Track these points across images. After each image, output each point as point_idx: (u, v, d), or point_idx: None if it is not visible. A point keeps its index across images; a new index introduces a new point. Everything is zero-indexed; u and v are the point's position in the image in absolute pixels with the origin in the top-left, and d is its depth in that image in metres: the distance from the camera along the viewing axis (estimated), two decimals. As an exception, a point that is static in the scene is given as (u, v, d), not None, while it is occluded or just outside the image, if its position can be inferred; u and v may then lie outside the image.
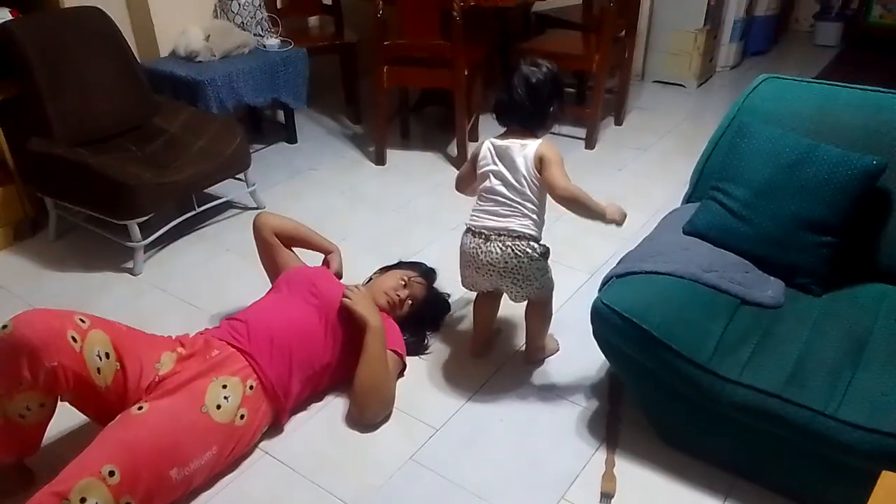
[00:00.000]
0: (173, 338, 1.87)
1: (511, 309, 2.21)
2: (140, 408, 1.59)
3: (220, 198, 3.00)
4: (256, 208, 3.09)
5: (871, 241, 1.86)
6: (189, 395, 1.66)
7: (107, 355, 1.63)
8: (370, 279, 2.26)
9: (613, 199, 3.07)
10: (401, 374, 2.08)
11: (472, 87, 3.49)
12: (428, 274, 2.29)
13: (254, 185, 3.06)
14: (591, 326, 1.77)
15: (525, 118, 1.89)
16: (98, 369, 1.60)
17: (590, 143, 3.68)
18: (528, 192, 1.86)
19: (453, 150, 3.56)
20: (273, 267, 2.21)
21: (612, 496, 1.71)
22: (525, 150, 1.85)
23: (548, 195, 1.88)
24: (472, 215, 1.94)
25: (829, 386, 1.53)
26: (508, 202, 1.87)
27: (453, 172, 3.41)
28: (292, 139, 3.79)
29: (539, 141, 1.87)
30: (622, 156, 3.60)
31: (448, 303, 2.35)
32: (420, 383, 2.08)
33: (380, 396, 1.91)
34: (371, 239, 2.84)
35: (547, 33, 4.10)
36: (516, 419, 1.95)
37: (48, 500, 1.39)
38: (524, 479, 1.77)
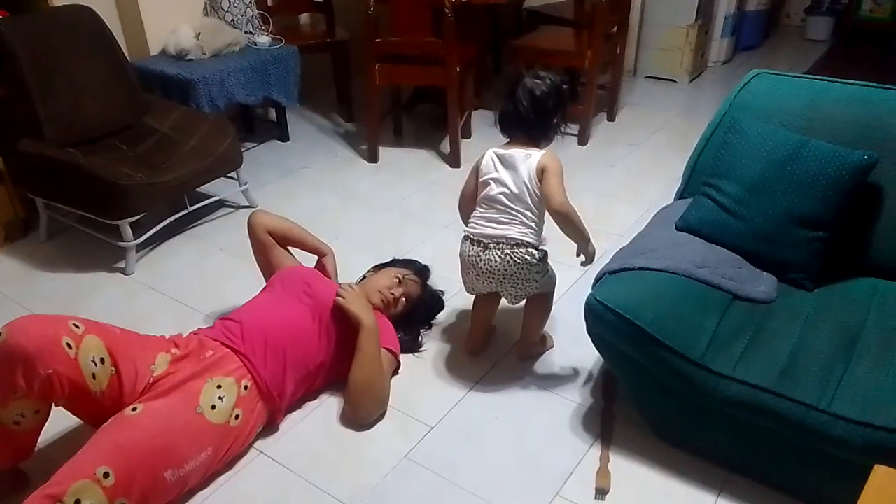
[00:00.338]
0: (167, 338, 1.86)
1: (505, 307, 2.21)
2: (134, 409, 1.58)
3: (212, 197, 2.99)
4: (249, 207, 3.08)
5: (863, 236, 1.87)
6: (183, 395, 1.66)
7: (101, 360, 1.62)
8: (364, 277, 2.25)
9: (607, 196, 3.10)
10: (395, 373, 2.08)
11: (465, 84, 3.49)
12: (422, 272, 2.29)
13: (246, 183, 3.05)
14: (584, 323, 1.78)
15: (529, 130, 1.91)
16: (93, 375, 1.60)
17: (582, 139, 3.69)
18: (528, 201, 1.86)
19: (446, 147, 3.55)
20: (267, 265, 2.20)
21: (607, 492, 1.72)
22: (529, 159, 1.86)
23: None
24: (471, 223, 1.94)
25: (822, 380, 1.53)
26: (508, 210, 1.87)
27: (446, 170, 3.43)
28: (284, 137, 3.78)
29: (543, 151, 1.89)
30: (615, 152, 3.61)
31: (442, 300, 2.35)
32: (415, 381, 2.08)
33: (374, 395, 1.91)
34: (364, 237, 2.83)
35: (539, 30, 4.09)
36: (511, 416, 1.96)
37: (43, 502, 1.38)
38: (519, 477, 1.77)
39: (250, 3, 3.63)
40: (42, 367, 1.51)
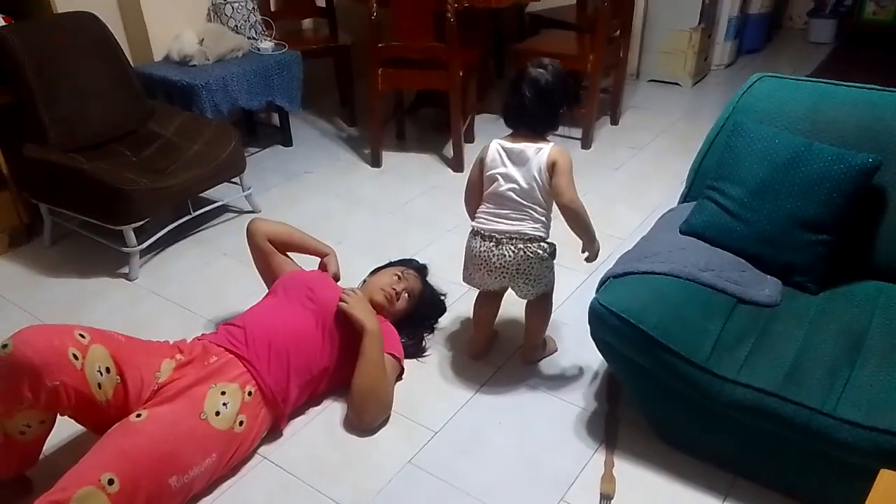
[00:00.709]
0: (171, 343, 1.86)
1: (508, 311, 2.21)
2: (139, 415, 1.58)
3: (215, 202, 2.99)
4: (252, 212, 3.08)
5: (867, 239, 1.86)
6: (188, 402, 1.66)
7: (107, 370, 1.62)
8: (364, 281, 2.26)
9: (610, 199, 3.10)
10: (399, 378, 2.07)
11: (467, 88, 3.49)
12: (420, 269, 2.30)
13: (249, 188, 3.05)
14: (588, 327, 1.77)
15: (535, 121, 1.88)
16: (99, 384, 1.60)
17: (586, 142, 3.69)
18: (539, 196, 1.85)
19: (449, 151, 3.56)
20: (269, 272, 2.20)
21: (612, 497, 1.71)
22: (539, 154, 1.84)
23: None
24: (480, 218, 1.92)
25: (827, 384, 1.53)
26: (519, 205, 1.86)
27: (449, 174, 3.43)
28: (287, 142, 3.79)
29: (551, 145, 1.86)
30: (618, 155, 3.61)
31: (443, 300, 2.35)
32: (418, 386, 2.08)
33: (378, 400, 1.91)
34: (368, 241, 2.83)
35: (541, 34, 4.10)
36: (515, 421, 1.95)
37: (47, 509, 1.38)
38: (523, 482, 1.77)
39: (253, 8, 3.64)
40: (49, 379, 1.51)
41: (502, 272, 1.90)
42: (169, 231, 2.78)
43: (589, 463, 1.81)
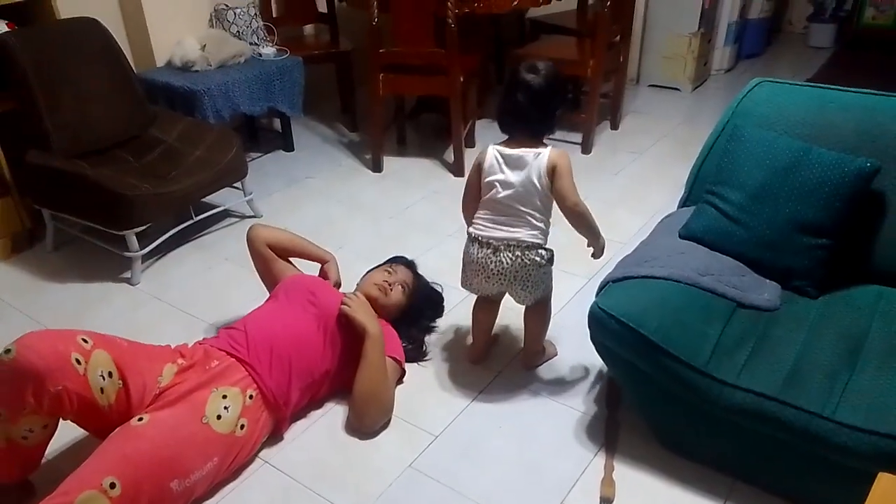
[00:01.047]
0: (173, 348, 1.87)
1: (508, 315, 2.22)
2: (140, 419, 1.59)
3: (217, 207, 3.00)
4: (254, 217, 3.09)
5: (866, 243, 1.87)
6: (189, 406, 1.66)
7: (109, 374, 1.62)
8: (357, 286, 2.25)
9: (610, 204, 3.10)
10: (400, 381, 2.08)
11: (468, 93, 3.51)
12: (409, 263, 2.31)
13: (251, 193, 3.06)
14: (588, 331, 1.78)
15: (531, 125, 1.86)
16: (101, 389, 1.60)
17: (586, 147, 3.70)
18: (537, 202, 1.85)
19: (450, 156, 3.57)
20: (270, 278, 2.21)
21: (612, 501, 1.72)
22: (539, 158, 1.83)
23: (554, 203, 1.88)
24: (478, 224, 1.92)
25: (826, 388, 1.53)
26: (517, 212, 1.86)
27: (450, 179, 3.44)
28: (289, 147, 3.80)
29: (549, 149, 1.85)
30: (618, 160, 3.62)
31: (440, 292, 2.37)
32: (419, 390, 2.08)
33: (379, 404, 1.92)
34: (368, 246, 2.84)
35: (541, 39, 4.12)
36: (515, 425, 1.96)
37: (49, 513, 1.39)
38: (523, 485, 1.77)
39: (255, 14, 3.66)
40: (52, 384, 1.52)
41: (500, 278, 1.90)
42: (171, 236, 2.79)
43: (589, 467, 1.82)
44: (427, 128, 4.07)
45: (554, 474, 1.80)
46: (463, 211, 2.03)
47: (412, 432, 1.93)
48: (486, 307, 2.09)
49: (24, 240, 2.88)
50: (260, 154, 3.77)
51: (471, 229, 1.94)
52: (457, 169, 3.47)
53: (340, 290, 2.16)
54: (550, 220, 1.92)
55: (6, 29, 2.69)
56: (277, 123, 3.86)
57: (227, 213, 3.11)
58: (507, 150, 1.87)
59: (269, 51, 3.51)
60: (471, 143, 3.75)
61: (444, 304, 2.39)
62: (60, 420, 1.65)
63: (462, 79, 3.28)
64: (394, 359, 2.01)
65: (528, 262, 1.87)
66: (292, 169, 3.60)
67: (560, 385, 2.10)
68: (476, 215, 1.94)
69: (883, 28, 5.26)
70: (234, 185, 2.96)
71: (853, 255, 1.87)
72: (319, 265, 2.26)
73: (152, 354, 1.78)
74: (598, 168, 3.52)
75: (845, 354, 1.62)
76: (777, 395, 1.53)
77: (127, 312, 2.48)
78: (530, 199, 1.85)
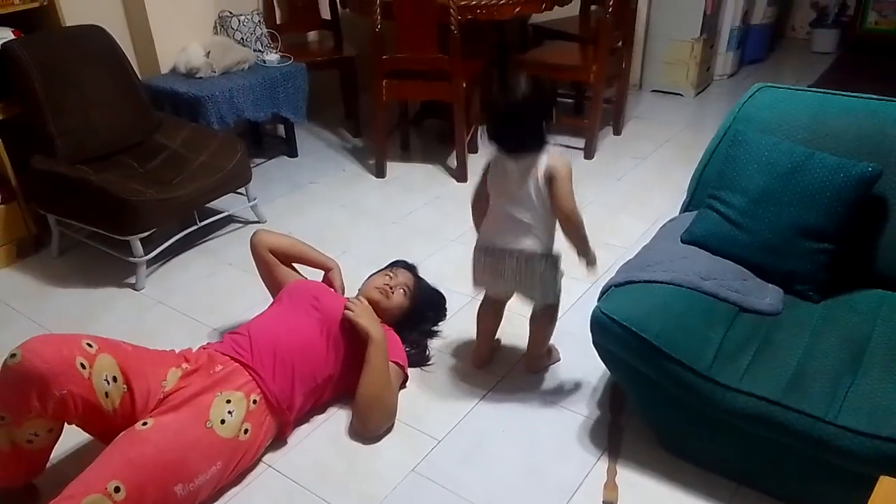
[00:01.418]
0: (177, 352, 1.88)
1: (512, 321, 2.22)
2: (145, 423, 1.59)
3: (221, 212, 3.02)
4: (258, 222, 3.11)
5: (869, 248, 1.87)
6: (193, 410, 1.67)
7: (114, 379, 1.63)
8: (359, 290, 2.26)
9: (613, 209, 3.11)
10: (403, 386, 2.08)
11: (471, 99, 3.52)
12: (409, 266, 2.31)
13: (255, 199, 3.08)
14: (591, 336, 1.78)
15: (520, 143, 1.81)
16: (106, 393, 1.61)
17: (588, 153, 3.70)
18: (539, 210, 1.83)
19: (453, 162, 3.58)
20: (273, 283, 2.22)
21: (615, 505, 1.72)
22: (535, 168, 1.80)
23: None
24: (485, 233, 1.93)
25: (829, 392, 1.53)
26: (522, 221, 1.84)
27: (453, 184, 3.45)
28: (293, 153, 3.82)
29: (549, 155, 1.81)
30: (621, 165, 3.62)
31: (441, 293, 2.37)
32: (422, 395, 2.09)
33: (382, 408, 1.92)
34: (372, 252, 2.85)
35: (544, 45, 4.13)
36: (518, 430, 1.96)
37: (54, 517, 1.39)
38: (526, 490, 1.77)
39: (259, 21, 3.68)
40: (56, 388, 1.53)
41: (509, 284, 1.93)
42: (175, 241, 2.80)
43: (592, 471, 1.82)
44: (430, 133, 4.08)
45: (557, 479, 1.80)
46: (472, 215, 2.02)
47: (415, 437, 1.94)
48: (491, 311, 2.10)
49: (29, 245, 2.89)
50: (264, 160, 3.79)
51: (478, 238, 1.95)
52: (460, 174, 3.48)
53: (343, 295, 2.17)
54: (555, 227, 1.91)
55: (12, 36, 2.71)
56: (281, 129, 3.88)
57: (231, 219, 3.12)
58: (508, 161, 1.84)
59: (272, 57, 3.53)
60: (474, 149, 3.76)
61: (447, 306, 2.39)
62: (65, 424, 1.66)
63: (465, 84, 3.29)
64: (397, 363, 2.02)
65: (536, 268, 1.87)
66: (296, 174, 3.61)
67: (563, 389, 2.10)
68: (484, 223, 1.94)
69: (886, 33, 5.26)
70: (239, 190, 2.97)
71: (855, 259, 1.88)
72: (323, 272, 2.27)
73: (157, 359, 1.79)
74: (600, 173, 3.52)
75: (848, 359, 1.62)
76: (780, 399, 1.53)
77: (131, 317, 2.49)
78: (532, 207, 1.83)
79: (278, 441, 1.90)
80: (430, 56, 3.22)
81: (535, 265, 1.87)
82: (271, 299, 2.19)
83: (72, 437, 1.80)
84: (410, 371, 2.12)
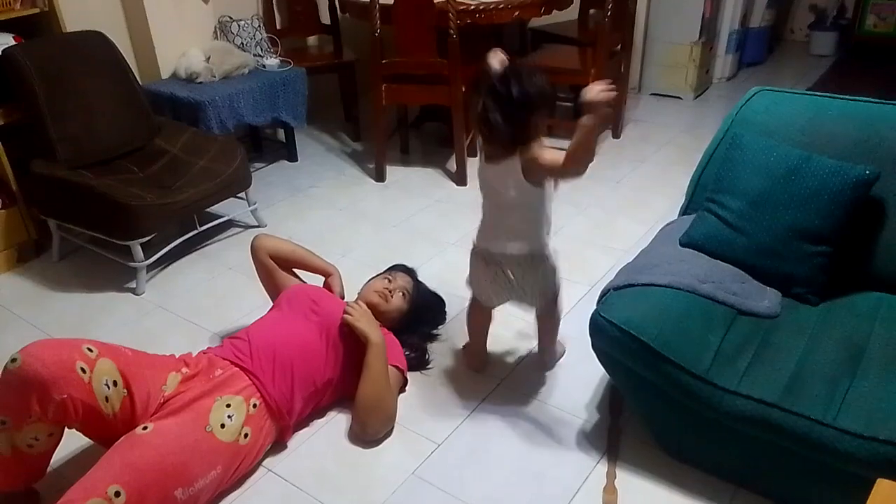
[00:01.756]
0: (177, 357, 1.88)
1: (507, 323, 2.22)
2: (145, 428, 1.60)
3: (221, 217, 3.02)
4: (258, 226, 3.11)
5: (867, 250, 1.87)
6: (193, 414, 1.67)
7: (114, 383, 1.64)
8: (358, 294, 2.27)
9: (612, 212, 3.11)
10: (402, 390, 2.09)
11: (470, 103, 3.52)
12: (409, 270, 2.32)
13: (255, 203, 3.08)
14: (589, 339, 1.78)
15: (507, 137, 1.73)
16: (106, 398, 1.62)
17: (588, 156, 3.70)
18: (529, 213, 1.83)
19: (452, 165, 3.59)
20: (273, 288, 2.23)
21: (614, 508, 1.72)
22: (512, 170, 1.76)
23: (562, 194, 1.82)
24: (482, 237, 1.92)
25: (827, 395, 1.54)
26: (510, 225, 1.85)
27: (453, 188, 3.46)
28: (293, 157, 3.83)
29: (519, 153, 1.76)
30: (620, 168, 3.63)
31: (440, 296, 2.37)
32: (421, 398, 2.09)
33: (381, 412, 1.93)
34: (372, 255, 2.86)
35: (543, 49, 4.14)
36: (517, 433, 1.96)
37: (54, 521, 1.40)
38: (526, 493, 1.78)
39: (259, 26, 3.69)
40: (57, 393, 1.53)
41: (510, 290, 1.92)
42: (175, 246, 2.81)
43: (591, 474, 1.82)
44: (430, 137, 4.09)
45: (556, 482, 1.80)
46: None
47: (415, 440, 1.94)
48: (481, 311, 2.10)
49: (30, 250, 2.90)
50: (264, 164, 3.80)
51: (475, 242, 1.94)
52: (459, 178, 3.49)
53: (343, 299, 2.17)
54: (550, 222, 1.90)
55: (13, 42, 2.72)
56: (281, 134, 3.88)
57: (231, 223, 3.13)
58: (487, 165, 1.81)
59: (272, 62, 3.54)
60: (473, 152, 3.76)
61: (446, 310, 2.40)
62: (66, 429, 1.66)
63: (464, 88, 3.30)
64: (396, 367, 2.02)
65: (537, 267, 1.87)
66: (296, 179, 3.62)
67: (562, 393, 2.10)
68: (480, 227, 1.94)
69: (884, 36, 5.27)
70: (239, 195, 2.98)
71: (853, 261, 1.88)
72: (323, 278, 2.28)
73: (157, 363, 1.79)
74: (599, 177, 3.52)
75: (846, 361, 1.62)
76: (778, 401, 1.53)
77: (132, 322, 2.50)
78: (517, 209, 1.83)
79: (278, 445, 1.90)
80: (429, 60, 3.23)
81: (529, 267, 1.87)
82: (271, 304, 2.19)
83: (72, 441, 1.81)
84: (410, 375, 2.12)
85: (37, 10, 2.78)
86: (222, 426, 1.69)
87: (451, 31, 3.11)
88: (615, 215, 3.12)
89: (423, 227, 3.10)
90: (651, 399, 1.76)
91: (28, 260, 2.89)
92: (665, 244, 2.03)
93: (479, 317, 2.12)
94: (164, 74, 3.39)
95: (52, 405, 1.54)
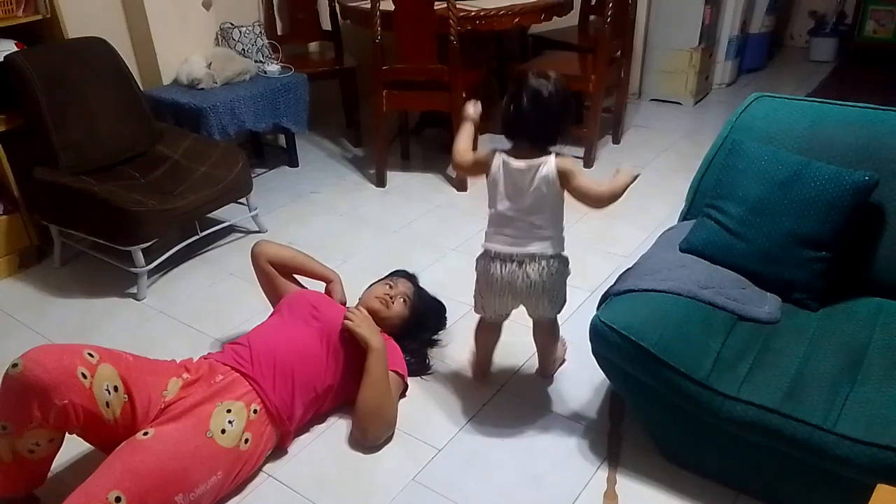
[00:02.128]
0: (178, 362, 1.89)
1: (509, 329, 2.22)
2: (146, 433, 1.60)
3: (222, 222, 3.03)
4: (259, 232, 3.12)
5: (866, 256, 1.88)
6: (194, 420, 1.68)
7: (115, 388, 1.64)
8: (359, 299, 2.27)
9: (612, 217, 3.11)
10: (402, 395, 2.09)
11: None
12: (410, 275, 2.32)
13: (256, 209, 3.09)
14: (590, 345, 1.79)
15: (536, 134, 1.78)
16: (107, 403, 1.62)
17: (588, 162, 3.72)
18: (548, 211, 1.82)
19: (453, 171, 3.59)
20: (273, 294, 2.23)
21: (615, 514, 1.72)
22: (544, 168, 1.78)
23: (571, 199, 1.84)
24: (497, 239, 1.87)
25: (827, 400, 1.54)
26: (534, 226, 1.82)
27: (453, 193, 3.47)
28: (294, 163, 3.84)
29: (553, 156, 1.80)
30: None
31: (441, 302, 2.37)
32: (422, 404, 2.09)
33: (382, 418, 1.93)
34: (372, 261, 2.86)
35: (544, 55, 4.15)
36: (518, 439, 1.96)
37: (55, 526, 1.40)
38: (526, 499, 1.77)
39: (260, 32, 3.70)
40: (58, 398, 1.54)
41: (529, 293, 1.86)
42: (176, 251, 2.81)
43: (592, 480, 1.82)
44: (430, 143, 4.10)
45: (557, 487, 1.80)
46: (457, 166, 1.98)
47: (415, 446, 1.94)
48: (490, 329, 2.08)
49: (31, 255, 2.91)
50: (265, 170, 3.81)
51: (486, 246, 1.89)
52: (460, 184, 3.49)
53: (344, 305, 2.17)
54: (563, 226, 1.89)
55: (15, 48, 2.73)
56: (282, 139, 3.89)
57: (232, 229, 3.14)
58: (513, 162, 1.81)
59: (274, 68, 3.55)
60: (474, 158, 3.77)
61: (447, 315, 2.40)
62: (66, 434, 1.66)
63: (465, 94, 3.31)
64: (397, 373, 2.02)
65: (554, 272, 1.85)
66: (297, 184, 3.63)
67: (563, 398, 2.10)
68: (489, 231, 1.89)
69: (884, 42, 5.28)
70: (240, 200, 2.99)
71: (853, 267, 1.88)
72: (324, 284, 2.28)
73: (157, 369, 1.80)
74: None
75: (846, 367, 1.62)
76: (778, 407, 1.53)
77: (133, 327, 2.50)
78: (542, 211, 1.81)
79: (279, 450, 1.90)
80: (430, 66, 3.24)
81: (555, 265, 1.85)
82: (272, 309, 2.20)
83: (73, 447, 1.81)
84: (410, 380, 2.12)
85: (39, 17, 2.79)
86: (223, 432, 1.69)
87: (452, 38, 3.12)
88: (615, 221, 3.12)
89: (423, 233, 3.11)
90: (651, 404, 1.77)
91: (30, 266, 2.90)
92: (665, 250, 2.03)
93: (487, 334, 2.10)
94: (166, 81, 3.41)
95: (53, 411, 1.54)
